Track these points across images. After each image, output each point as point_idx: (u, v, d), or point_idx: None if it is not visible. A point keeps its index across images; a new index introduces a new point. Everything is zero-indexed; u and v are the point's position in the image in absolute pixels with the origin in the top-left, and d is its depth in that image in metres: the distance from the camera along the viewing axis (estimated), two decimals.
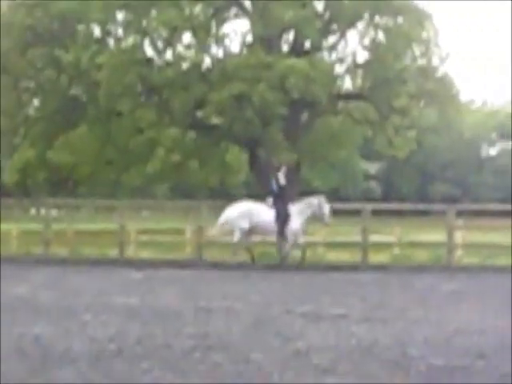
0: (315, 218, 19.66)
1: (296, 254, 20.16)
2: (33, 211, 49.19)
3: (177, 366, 8.20)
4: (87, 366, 8.08)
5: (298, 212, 19.11)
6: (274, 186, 19.99)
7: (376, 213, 26.12)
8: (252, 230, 19.26)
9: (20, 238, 26.72)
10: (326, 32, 39.68)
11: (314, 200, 19.58)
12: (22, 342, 9.44)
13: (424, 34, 39.62)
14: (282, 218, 18.92)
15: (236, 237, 19.39)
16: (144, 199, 35.12)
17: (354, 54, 40.55)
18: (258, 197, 25.12)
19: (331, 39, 40.56)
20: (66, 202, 35.97)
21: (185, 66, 37.13)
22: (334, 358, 9.05)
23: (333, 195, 49.34)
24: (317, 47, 39.39)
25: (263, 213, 19.04)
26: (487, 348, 9.44)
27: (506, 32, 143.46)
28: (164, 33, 36.59)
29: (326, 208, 19.48)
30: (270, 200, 19.41)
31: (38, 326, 10.62)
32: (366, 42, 39.83)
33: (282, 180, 19.91)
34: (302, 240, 19.55)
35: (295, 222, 18.91)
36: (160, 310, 12.09)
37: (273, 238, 20.07)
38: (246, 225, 18.98)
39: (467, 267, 21.86)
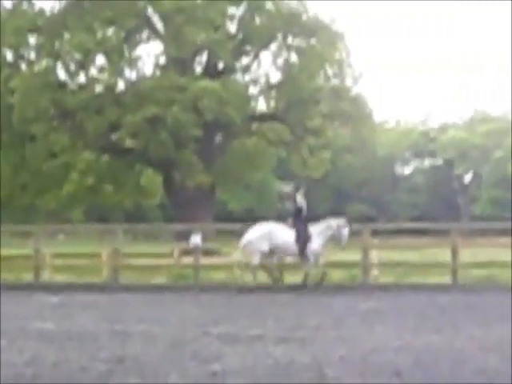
0: (333, 240, 19.77)
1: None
2: None
3: None
4: None
5: (317, 233, 19.20)
6: (293, 207, 20.54)
7: None
8: (273, 251, 19.46)
9: None
10: (239, 53, 40.82)
11: (334, 222, 19.77)
12: None
13: (337, 55, 41.50)
14: (303, 239, 19.08)
15: (255, 259, 19.65)
16: (59, 223, 35.53)
17: (267, 75, 42.07)
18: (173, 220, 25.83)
19: (244, 60, 41.83)
20: None
21: (98, 89, 37.83)
22: (251, 381, 9.21)
23: (248, 216, 50.40)
24: (230, 69, 40.60)
25: (284, 234, 19.20)
26: (403, 365, 9.80)
27: (420, 51, 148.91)
28: (77, 56, 37.01)
29: (345, 231, 19.66)
30: (290, 221, 19.65)
31: None
32: (280, 62, 41.34)
33: (301, 200, 20.12)
34: (322, 261, 19.75)
35: (315, 243, 19.11)
36: (76, 334, 12.23)
37: (293, 259, 20.26)
38: (265, 247, 19.20)
39: (383, 286, 22.27)
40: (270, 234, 19.07)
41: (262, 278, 20.49)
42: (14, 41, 36.60)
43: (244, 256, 20.01)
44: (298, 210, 19.73)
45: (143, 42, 41.46)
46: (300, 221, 19.29)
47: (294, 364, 9.82)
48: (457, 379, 8.92)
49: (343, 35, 43.03)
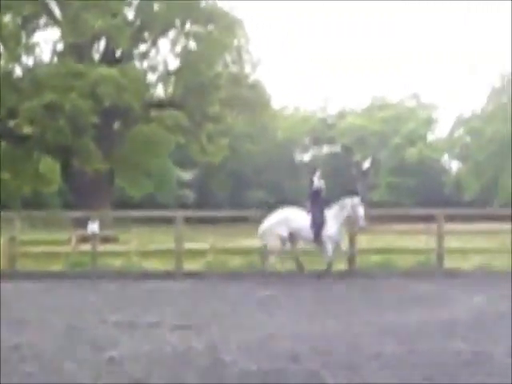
0: (350, 222, 19.44)
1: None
2: None
3: None
4: None
5: (332, 216, 18.90)
6: (309, 190, 19.96)
7: (190, 220, 26.66)
8: (292, 237, 19.22)
9: None
10: (137, 40, 41.47)
11: (348, 202, 19.25)
12: None
13: (235, 41, 42.50)
14: (318, 223, 18.85)
15: (271, 243, 19.57)
16: None
17: (165, 62, 43.08)
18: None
19: (142, 47, 42.59)
20: None
21: None
22: (148, 367, 9.52)
23: (148, 203, 51.00)
24: (128, 55, 41.25)
25: (301, 219, 18.94)
26: (299, 351, 10.10)
27: (324, 37, 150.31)
28: None
29: (361, 210, 19.18)
30: (308, 204, 19.45)
31: None
32: (178, 49, 42.21)
33: (317, 184, 19.64)
34: (343, 246, 19.53)
35: (331, 227, 18.75)
36: None
37: (310, 245, 19.90)
38: (284, 232, 19.01)
39: (281, 273, 22.33)
40: (288, 219, 18.94)
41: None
42: None
43: (263, 241, 19.87)
44: (316, 193, 19.36)
45: (41, 28, 41.27)
46: (316, 204, 18.98)
47: (192, 351, 10.21)
48: (353, 363, 9.51)
49: (242, 22, 43.72)
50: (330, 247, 18.65)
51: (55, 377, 8.67)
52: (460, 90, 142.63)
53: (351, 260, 19.84)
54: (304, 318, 13.54)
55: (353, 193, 20.73)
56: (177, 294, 18.09)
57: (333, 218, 18.60)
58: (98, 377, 8.76)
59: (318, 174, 19.90)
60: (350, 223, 19.29)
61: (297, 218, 18.81)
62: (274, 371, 8.89)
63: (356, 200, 19.10)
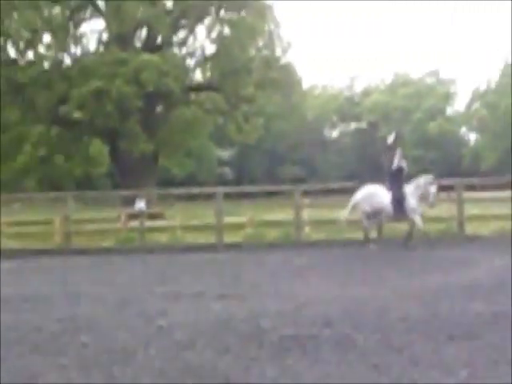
0: (423, 199, 19.12)
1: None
2: None
3: (47, 348, 8.50)
4: None
5: (410, 194, 18.74)
6: (388, 169, 19.70)
7: (229, 196, 27.19)
8: (375, 212, 19.22)
9: None
10: (175, 28, 41.20)
11: (422, 180, 19.21)
12: None
13: (266, 26, 41.77)
14: (398, 200, 18.75)
15: (362, 218, 19.84)
16: (14, 193, 35.99)
17: (202, 48, 42.30)
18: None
19: (181, 34, 42.15)
20: None
21: (46, 65, 38.01)
22: (194, 334, 9.48)
23: (190, 181, 51.25)
24: (168, 42, 40.97)
25: (382, 196, 18.95)
26: (333, 317, 10.05)
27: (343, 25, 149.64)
28: (25, 34, 37.12)
29: (433, 188, 19.04)
30: (388, 183, 19.34)
31: None
32: (213, 35, 41.47)
33: (398, 161, 19.40)
34: (419, 220, 19.09)
35: (411, 202, 18.61)
36: (30, 297, 12.26)
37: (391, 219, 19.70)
38: (367, 207, 19.10)
39: (315, 243, 22.44)
40: (371, 196, 19.03)
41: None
42: None
43: (352, 214, 20.01)
44: (398, 171, 19.20)
45: (86, 19, 41.29)
46: (396, 182, 18.89)
47: (234, 318, 10.17)
48: (382, 326, 9.44)
49: (272, 7, 43.10)
50: (418, 218, 18.50)
51: (109, 345, 8.64)
52: (476, 64, 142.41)
53: (379, 230, 19.84)
54: (338, 283, 13.52)
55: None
56: (219, 265, 18.04)
57: (410, 195, 18.42)
58: (148, 344, 8.77)
59: (399, 153, 19.46)
60: (423, 200, 18.97)
61: (379, 195, 18.82)
62: (310, 336, 8.92)
63: (429, 179, 19.04)
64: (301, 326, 9.56)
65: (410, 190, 18.54)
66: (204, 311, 11.02)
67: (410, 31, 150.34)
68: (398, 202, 18.40)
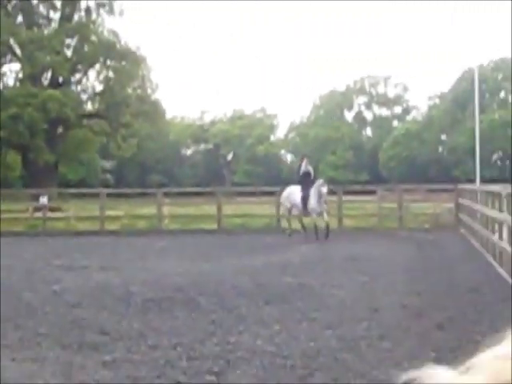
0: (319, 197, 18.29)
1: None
2: None
3: None
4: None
5: (312, 194, 18.01)
6: (298, 174, 19.21)
7: (110, 195, 27.82)
8: (293, 208, 18.63)
9: None
10: (73, 71, 42.57)
11: (318, 183, 18.33)
12: None
13: (140, 72, 43.28)
14: (304, 199, 18.10)
15: (282, 212, 19.68)
16: None
17: (93, 86, 43.97)
18: None
19: (77, 76, 43.72)
20: None
21: None
22: (80, 296, 9.55)
23: (81, 184, 49.52)
24: (67, 81, 42.22)
25: (296, 195, 18.23)
26: (183, 285, 10.21)
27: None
28: None
29: (324, 189, 18.17)
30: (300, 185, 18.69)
31: None
32: (101, 77, 43.18)
33: (304, 168, 18.86)
34: (326, 214, 18.26)
35: (312, 202, 17.91)
36: None
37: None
38: (288, 204, 18.57)
39: (172, 231, 22.86)
40: (289, 195, 18.42)
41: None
42: None
43: (281, 210, 19.78)
44: (305, 175, 18.56)
45: (7, 62, 42.09)
46: (304, 184, 18.11)
47: (111, 285, 10.34)
48: (218, 292, 9.74)
49: (145, 58, 44.16)
50: (314, 215, 17.88)
51: (15, 303, 9.00)
52: (293, 103, 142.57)
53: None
54: (188, 261, 13.90)
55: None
56: (101, 246, 18.12)
57: (313, 195, 17.78)
58: (45, 303, 9.10)
59: (305, 161, 19.15)
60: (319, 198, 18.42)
61: (295, 194, 18.22)
62: (166, 298, 9.24)
63: (321, 181, 18.35)
64: (159, 291, 9.84)
65: (312, 191, 17.82)
66: (88, 279, 11.24)
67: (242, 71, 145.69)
68: (304, 200, 17.83)
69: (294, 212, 18.65)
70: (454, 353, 5.99)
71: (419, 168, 60.73)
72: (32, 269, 12.84)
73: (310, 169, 18.68)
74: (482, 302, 8.99)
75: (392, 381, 4.28)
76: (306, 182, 18.11)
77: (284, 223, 19.62)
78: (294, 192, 18.19)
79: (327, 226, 17.54)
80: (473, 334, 6.85)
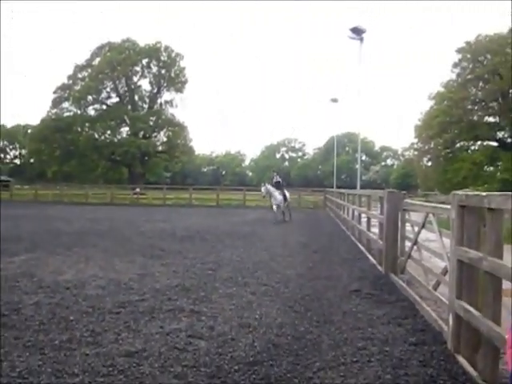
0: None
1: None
2: None
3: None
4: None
5: (277, 193, 19.52)
6: (271, 181, 20.62)
7: (168, 188, 36.39)
8: (271, 199, 19.55)
9: None
10: (153, 131, 61.81)
11: (284, 188, 20.31)
12: None
13: (184, 132, 62.02)
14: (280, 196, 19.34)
15: (270, 202, 20.36)
16: None
17: (162, 138, 63.41)
18: None
19: (154, 134, 62.68)
20: None
21: None
22: (153, 234, 14.54)
23: (155, 183, 62.04)
24: (152, 136, 61.77)
25: (276, 192, 19.73)
26: (200, 231, 13.95)
27: None
28: None
29: (287, 192, 20.56)
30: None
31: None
32: (165, 134, 62.79)
33: (275, 179, 20.68)
34: (283, 206, 20.00)
35: (276, 198, 19.54)
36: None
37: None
38: (266, 194, 19.80)
39: (195, 205, 27.37)
40: (269, 191, 19.72)
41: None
42: None
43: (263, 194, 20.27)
44: (277, 182, 20.51)
45: (122, 127, 60.59)
46: (277, 187, 20.04)
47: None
48: (216, 234, 14.40)
49: (187, 126, 62.61)
50: (274, 207, 19.56)
51: (121, 236, 13.51)
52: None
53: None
54: (201, 218, 19.34)
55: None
56: (163, 211, 25.02)
57: (278, 194, 19.68)
58: (135, 236, 13.35)
59: (276, 174, 21.27)
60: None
61: (274, 191, 19.72)
62: (191, 236, 12.98)
63: (269, 186, 19.74)
64: (188, 232, 13.72)
65: (276, 192, 19.45)
66: (156, 226, 15.64)
67: None
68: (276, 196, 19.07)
69: (272, 201, 19.68)
70: (321, 264, 9.09)
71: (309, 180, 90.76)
72: (130, 220, 17.70)
73: (280, 179, 20.59)
74: (334, 238, 13.61)
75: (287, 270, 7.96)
76: (277, 185, 20.17)
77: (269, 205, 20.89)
78: (272, 189, 19.64)
79: (289, 211, 20.31)
80: (330, 255, 10.24)
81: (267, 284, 7.36)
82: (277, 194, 19.85)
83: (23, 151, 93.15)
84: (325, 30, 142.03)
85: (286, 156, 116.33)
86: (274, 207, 19.88)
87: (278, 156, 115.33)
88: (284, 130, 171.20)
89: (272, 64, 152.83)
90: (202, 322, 5.35)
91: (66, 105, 60.99)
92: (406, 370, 4.10)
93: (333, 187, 42.78)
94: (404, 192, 8.52)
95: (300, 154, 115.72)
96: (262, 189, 20.12)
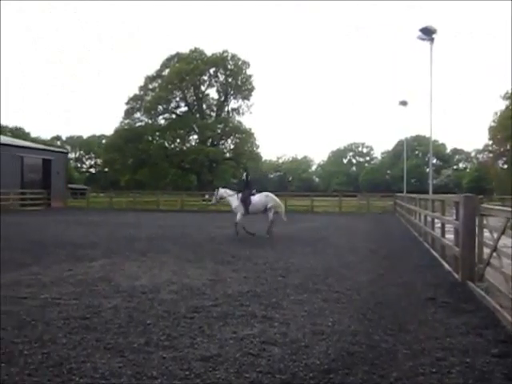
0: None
1: None
2: None
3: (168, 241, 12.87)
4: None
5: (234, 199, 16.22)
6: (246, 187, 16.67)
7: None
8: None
9: None
10: (220, 139, 62.86)
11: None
12: None
13: (251, 139, 61.94)
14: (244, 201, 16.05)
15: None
16: None
17: (229, 146, 63.70)
18: None
19: (222, 141, 63.71)
20: None
21: None
22: (223, 240, 14.64)
23: None
24: (218, 144, 62.38)
25: (233, 197, 16.22)
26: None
27: None
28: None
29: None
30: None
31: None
32: (232, 142, 62.43)
33: (247, 185, 16.74)
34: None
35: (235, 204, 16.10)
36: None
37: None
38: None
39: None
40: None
41: None
42: None
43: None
44: (245, 184, 17.08)
45: (191, 135, 62.54)
46: (245, 189, 16.46)
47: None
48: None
49: (253, 133, 62.20)
50: (237, 217, 16.12)
51: (192, 242, 14.35)
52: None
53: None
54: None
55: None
56: (229, 218, 17.75)
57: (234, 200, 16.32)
58: (207, 241, 15.02)
59: (245, 173, 18.43)
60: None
61: (228, 195, 16.56)
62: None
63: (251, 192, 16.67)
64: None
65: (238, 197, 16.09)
66: (225, 232, 16.35)
67: None
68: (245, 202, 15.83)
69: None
70: (393, 271, 8.94)
71: (377, 185, 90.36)
72: (200, 226, 17.92)
73: (253, 189, 16.74)
74: (405, 244, 13.61)
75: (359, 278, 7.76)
76: (245, 188, 16.61)
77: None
78: (224, 193, 16.60)
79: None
80: (402, 262, 10.06)
81: (339, 291, 7.35)
82: (234, 200, 16.21)
83: (98, 160, 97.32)
84: (394, 31, 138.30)
85: (354, 161, 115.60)
86: (237, 216, 16.02)
87: (345, 161, 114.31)
88: (351, 134, 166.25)
89: (339, 66, 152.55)
90: (274, 328, 5.41)
91: (137, 115, 63.18)
92: (489, 383, 3.97)
93: (402, 192, 41.83)
94: (480, 196, 8.16)
95: (367, 158, 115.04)
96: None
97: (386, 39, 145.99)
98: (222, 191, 16.66)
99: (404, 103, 50.94)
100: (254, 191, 16.41)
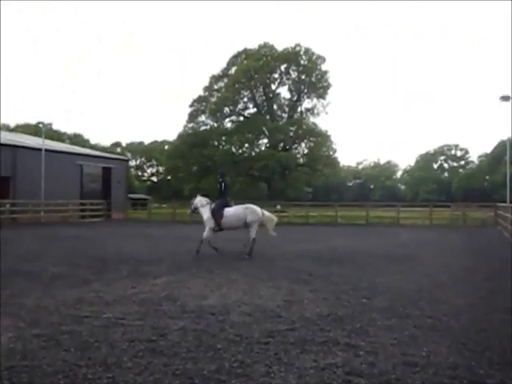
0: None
1: None
2: None
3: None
4: None
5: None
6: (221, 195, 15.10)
7: (303, 205, 37.34)
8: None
9: None
10: (293, 143, 63.43)
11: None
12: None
13: (327, 143, 61.88)
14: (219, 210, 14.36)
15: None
16: None
17: (303, 150, 64.40)
18: None
19: (295, 145, 63.77)
20: None
21: None
22: (295, 256, 21.67)
23: (294, 199, 59.93)
24: (290, 148, 62.71)
25: (205, 207, 14.64)
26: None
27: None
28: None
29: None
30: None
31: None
32: (306, 146, 62.64)
33: (222, 194, 15.04)
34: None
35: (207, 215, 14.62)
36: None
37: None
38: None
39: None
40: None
41: None
42: None
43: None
44: (220, 191, 15.11)
45: (261, 139, 63.84)
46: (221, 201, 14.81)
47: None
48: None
49: (330, 135, 63.25)
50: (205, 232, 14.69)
51: (265, 259, 17.36)
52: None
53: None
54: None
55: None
56: (307, 230, 26.60)
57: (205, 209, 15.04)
58: (279, 258, 17.41)
59: (220, 178, 16.11)
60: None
61: (201, 205, 15.10)
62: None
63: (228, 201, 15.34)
64: (335, 253, 20.40)
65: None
66: (298, 247, 19.07)
67: None
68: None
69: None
70: (496, 293, 8.76)
71: (473, 194, 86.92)
72: (272, 240, 16.49)
73: (224, 185, 15.30)
74: (510, 262, 12.53)
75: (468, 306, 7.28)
76: (220, 197, 15.08)
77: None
78: (198, 202, 15.31)
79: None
80: (507, 283, 9.60)
81: (433, 316, 7.14)
82: (206, 211, 14.80)
83: (160, 168, 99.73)
84: (490, 18, 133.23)
85: (446, 166, 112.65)
86: (205, 232, 14.70)
87: (435, 166, 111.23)
88: (443, 134, 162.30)
89: (426, 58, 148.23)
90: (359, 357, 5.32)
91: (202, 118, 64.40)
92: None
93: (505, 202, 40.32)
94: None
95: (462, 162, 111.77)
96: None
97: (483, 27, 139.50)
98: (198, 200, 15.23)
99: (506, 98, 48.93)
100: (230, 201, 14.85)
